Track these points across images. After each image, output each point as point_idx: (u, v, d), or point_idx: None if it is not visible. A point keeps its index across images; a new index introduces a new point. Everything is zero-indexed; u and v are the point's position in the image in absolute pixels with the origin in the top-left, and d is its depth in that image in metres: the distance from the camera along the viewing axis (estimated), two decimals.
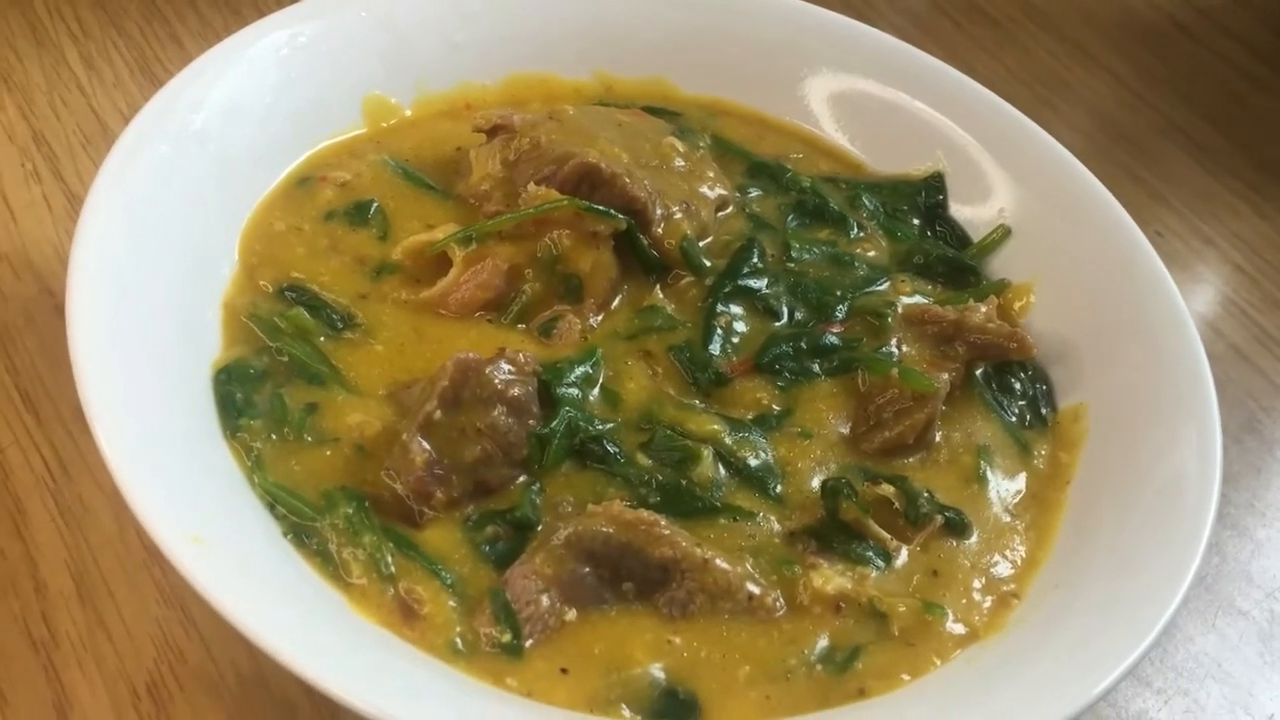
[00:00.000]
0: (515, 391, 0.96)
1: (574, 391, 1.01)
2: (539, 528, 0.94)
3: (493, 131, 1.17)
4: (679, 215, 1.13)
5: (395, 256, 1.10)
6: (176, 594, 1.00)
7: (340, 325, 1.04)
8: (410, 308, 1.07)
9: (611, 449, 0.99)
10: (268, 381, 0.99)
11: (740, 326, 1.10)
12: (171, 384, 0.95)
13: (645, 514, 0.92)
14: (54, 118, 1.39)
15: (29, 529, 1.04)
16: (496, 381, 0.95)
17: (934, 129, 1.26)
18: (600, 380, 1.04)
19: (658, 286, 1.12)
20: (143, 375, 0.92)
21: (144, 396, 0.91)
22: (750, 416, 1.04)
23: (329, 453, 0.96)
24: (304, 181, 1.15)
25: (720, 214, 1.19)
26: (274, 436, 0.96)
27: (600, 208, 1.08)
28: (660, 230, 1.12)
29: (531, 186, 1.09)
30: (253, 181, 1.12)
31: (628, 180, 1.10)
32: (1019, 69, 1.68)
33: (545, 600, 0.89)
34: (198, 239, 1.04)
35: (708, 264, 1.13)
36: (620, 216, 1.09)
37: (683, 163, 1.18)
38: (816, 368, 1.08)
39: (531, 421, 0.97)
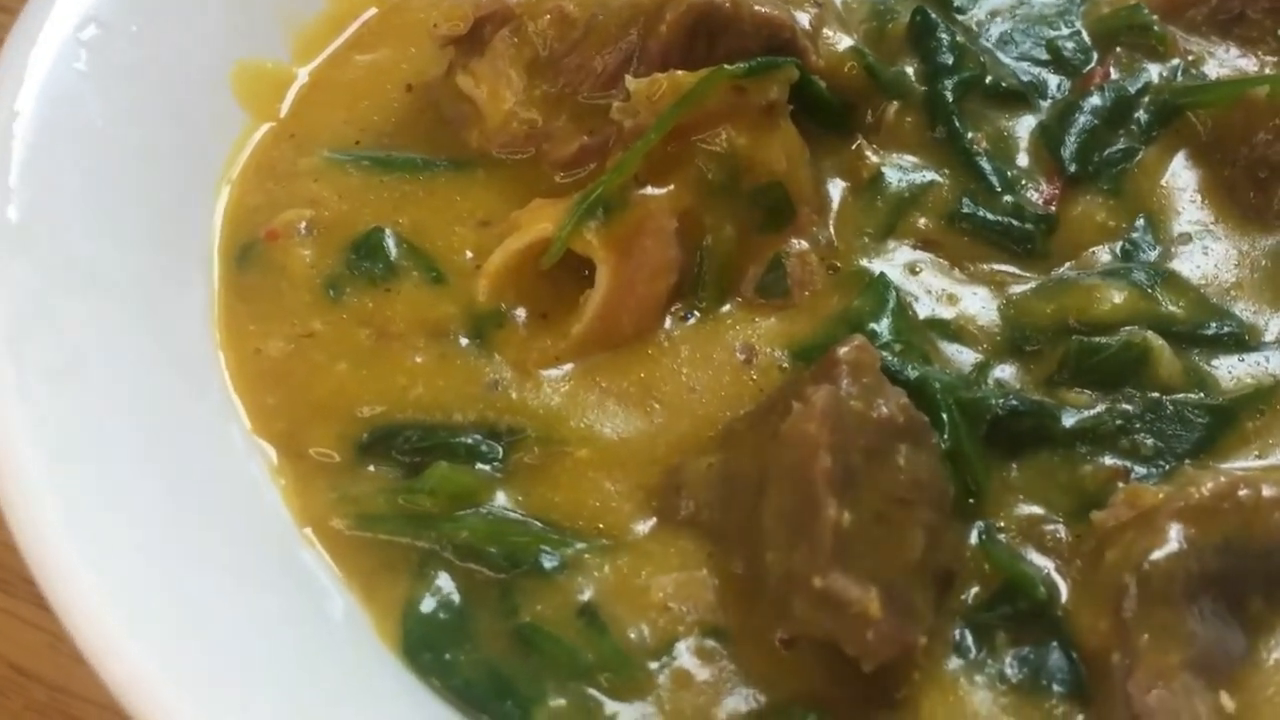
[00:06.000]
0: (901, 407, 0.55)
1: (915, 366, 0.60)
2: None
3: (473, 36, 0.70)
4: (826, 28, 0.70)
5: (482, 297, 0.64)
6: None
7: (501, 454, 0.59)
8: (571, 360, 0.62)
9: (1021, 407, 0.60)
10: (479, 625, 0.55)
11: (1005, 134, 0.71)
12: None
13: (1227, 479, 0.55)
14: None
15: None
16: (874, 412, 0.54)
17: None
18: (915, 317, 0.64)
19: (861, 140, 0.70)
20: None
21: None
22: (1119, 248, 0.67)
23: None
24: (247, 252, 0.65)
25: None
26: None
27: (761, 61, 0.65)
28: (821, 60, 0.69)
29: (631, 80, 0.64)
30: (180, 295, 0.63)
31: (756, 5, 0.67)
32: None
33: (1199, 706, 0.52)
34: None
35: (909, 71, 0.71)
36: (788, 61, 0.66)
37: None
38: (1124, 141, 0.71)
39: (934, 439, 0.56)
